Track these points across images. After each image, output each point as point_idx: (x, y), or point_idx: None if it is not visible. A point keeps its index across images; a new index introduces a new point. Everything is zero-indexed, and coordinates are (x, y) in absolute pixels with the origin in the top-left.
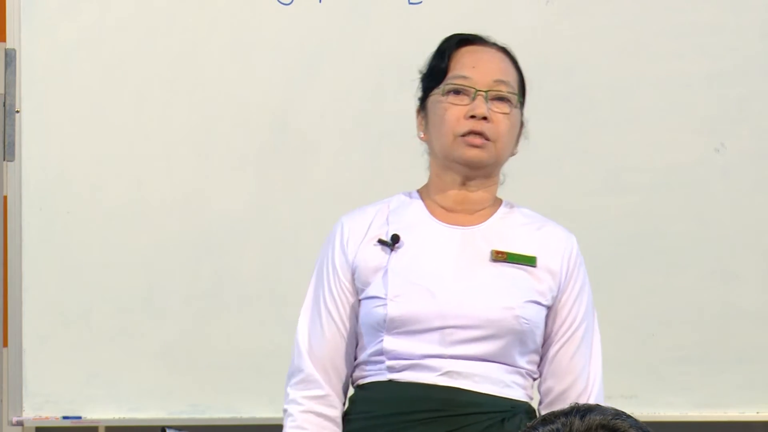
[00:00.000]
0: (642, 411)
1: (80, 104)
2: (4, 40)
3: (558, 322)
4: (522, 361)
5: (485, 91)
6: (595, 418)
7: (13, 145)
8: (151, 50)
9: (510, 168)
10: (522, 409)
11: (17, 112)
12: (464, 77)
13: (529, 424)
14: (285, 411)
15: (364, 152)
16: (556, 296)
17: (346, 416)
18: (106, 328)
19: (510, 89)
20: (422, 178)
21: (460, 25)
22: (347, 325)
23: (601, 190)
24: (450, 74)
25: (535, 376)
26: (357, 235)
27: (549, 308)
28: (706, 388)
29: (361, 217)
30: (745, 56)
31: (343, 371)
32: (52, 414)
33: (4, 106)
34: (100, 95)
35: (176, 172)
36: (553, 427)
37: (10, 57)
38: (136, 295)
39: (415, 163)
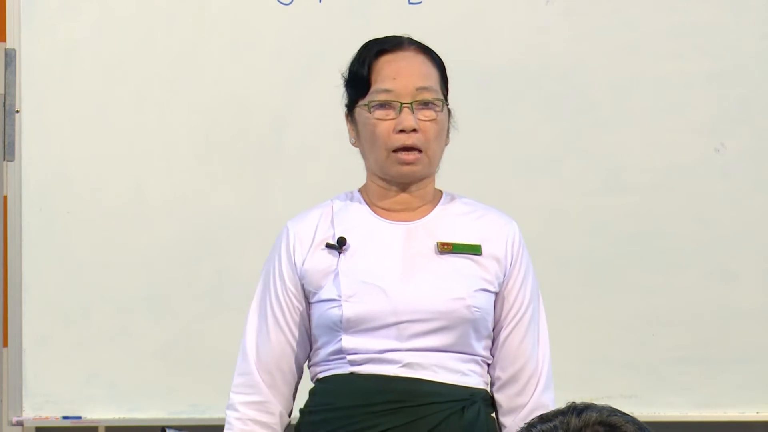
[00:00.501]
0: (642, 411)
1: (80, 104)
2: (4, 40)
3: (506, 307)
4: (477, 348)
5: (410, 103)
6: (591, 415)
7: (13, 145)
8: (151, 50)
9: (510, 167)
10: (480, 397)
11: (17, 112)
12: (387, 90)
13: (526, 422)
14: (226, 414)
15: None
16: (503, 282)
17: (306, 409)
18: (106, 328)
19: (433, 94)
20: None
21: (460, 25)
22: (294, 331)
23: (601, 190)
24: (373, 87)
25: (490, 361)
26: (304, 242)
27: (496, 294)
28: (706, 388)
29: (307, 223)
30: (745, 56)
31: (289, 376)
32: (52, 414)
33: (4, 106)
34: (100, 95)
35: (176, 172)
36: (551, 425)
37: (10, 57)
38: (136, 295)
39: None
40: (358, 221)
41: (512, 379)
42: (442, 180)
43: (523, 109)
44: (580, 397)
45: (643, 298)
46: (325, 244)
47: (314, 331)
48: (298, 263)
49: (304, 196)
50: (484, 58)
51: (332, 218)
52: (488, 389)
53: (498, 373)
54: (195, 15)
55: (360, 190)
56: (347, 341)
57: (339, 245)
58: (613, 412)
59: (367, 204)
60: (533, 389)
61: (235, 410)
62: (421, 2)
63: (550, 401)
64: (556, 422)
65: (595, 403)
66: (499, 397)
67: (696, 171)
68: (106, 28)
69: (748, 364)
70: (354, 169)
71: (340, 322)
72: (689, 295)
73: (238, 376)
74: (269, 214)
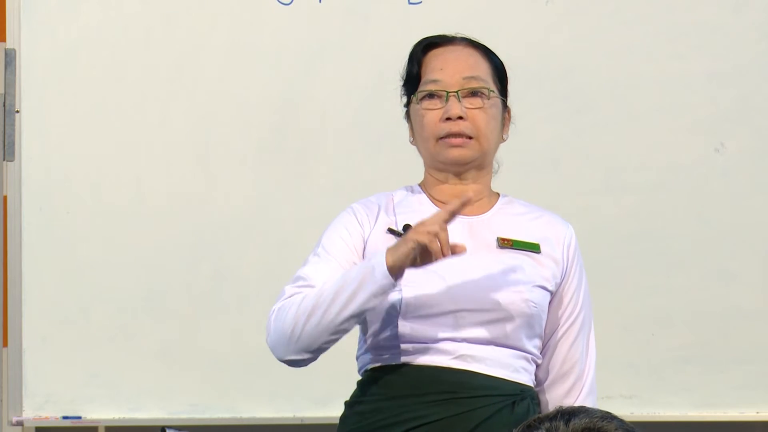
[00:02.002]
0: (642, 411)
1: (80, 104)
2: (4, 40)
3: (561, 308)
4: (529, 346)
5: (456, 91)
6: (580, 422)
7: (13, 145)
8: (151, 50)
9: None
10: (530, 394)
11: (17, 112)
12: (434, 81)
13: (514, 431)
14: (282, 306)
15: (363, 152)
16: (559, 283)
17: (353, 400)
18: (105, 328)
19: (481, 83)
20: (421, 177)
21: (460, 25)
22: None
23: (601, 190)
24: (422, 80)
25: (539, 361)
26: (370, 220)
27: (552, 294)
28: (706, 388)
29: (370, 207)
30: (745, 56)
31: None
32: (52, 414)
33: (4, 106)
34: (99, 95)
35: (176, 172)
36: None
37: (10, 57)
38: (136, 295)
39: (414, 162)
40: (420, 211)
41: (560, 381)
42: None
43: (523, 109)
44: None
45: (643, 298)
46: (387, 229)
47: (368, 317)
48: (365, 231)
49: (304, 196)
50: None
51: (394, 207)
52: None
53: (546, 373)
54: (195, 15)
55: (420, 185)
56: (404, 326)
57: (404, 231)
58: (603, 417)
59: (428, 197)
60: (578, 392)
61: (288, 294)
62: (421, 2)
63: (593, 404)
64: (543, 430)
65: (588, 406)
66: (544, 397)
67: (696, 171)
68: (106, 28)
69: (748, 364)
70: (354, 168)
71: (399, 306)
72: (689, 295)
73: (294, 281)
74: (269, 214)
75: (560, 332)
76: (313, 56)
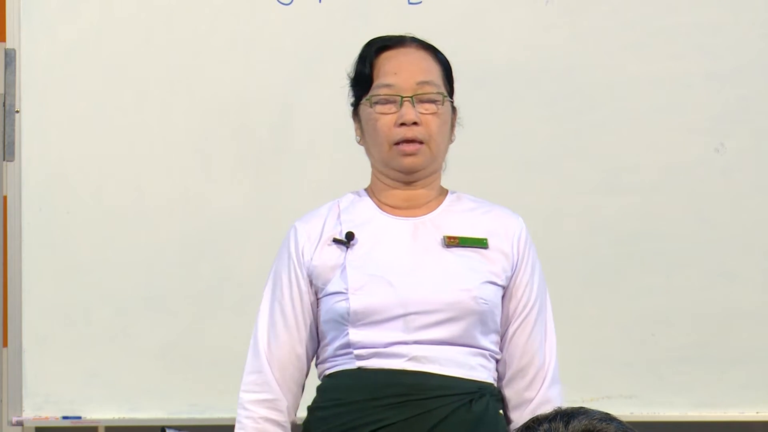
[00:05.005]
0: (642, 411)
1: (80, 104)
2: (4, 40)
3: (514, 302)
4: (485, 342)
5: (410, 97)
6: (579, 423)
7: (13, 145)
8: (151, 50)
9: (510, 167)
10: (488, 391)
11: (17, 112)
12: (388, 85)
13: (515, 429)
14: (237, 414)
15: (363, 152)
16: (510, 277)
17: (314, 406)
18: (105, 328)
19: (434, 88)
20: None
21: (460, 25)
22: (303, 329)
23: (601, 190)
24: (375, 83)
25: (498, 357)
26: (312, 238)
27: (504, 289)
28: (706, 388)
29: (315, 221)
30: (745, 56)
31: (298, 374)
32: (52, 414)
33: (4, 106)
34: (99, 95)
35: (176, 172)
36: None
37: (10, 57)
38: (136, 295)
39: None
40: (366, 217)
41: (520, 374)
42: (442, 179)
43: (523, 109)
44: (580, 397)
45: (643, 298)
46: (332, 239)
47: (322, 326)
48: (307, 260)
49: (304, 196)
50: (484, 58)
51: (339, 215)
52: (496, 384)
53: (506, 367)
54: (195, 15)
55: (367, 189)
56: (354, 335)
57: (347, 239)
58: (603, 418)
59: (374, 201)
60: (540, 384)
61: (246, 409)
62: (421, 2)
63: (556, 395)
64: (541, 431)
65: (587, 407)
66: (507, 391)
67: (696, 171)
68: (106, 28)
69: (748, 364)
70: (355, 168)
71: (347, 314)
72: (689, 295)
73: (249, 374)
74: (269, 214)
75: (515, 325)
76: (313, 56)
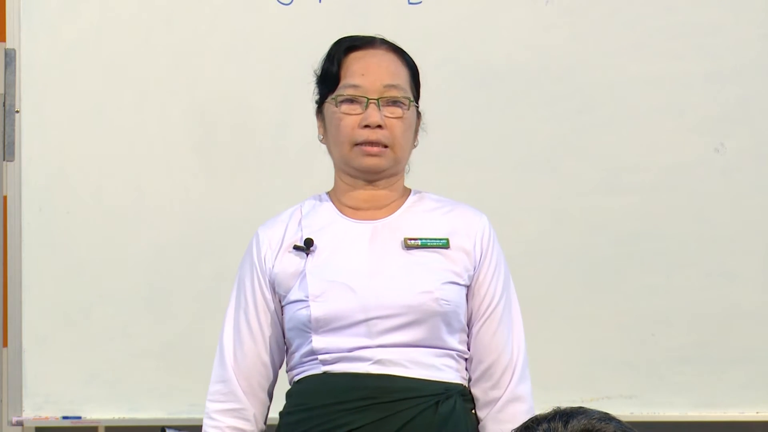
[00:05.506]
0: (642, 411)
1: (80, 104)
2: (4, 40)
3: (477, 300)
4: (452, 342)
5: (376, 99)
6: (578, 423)
7: (13, 145)
8: (151, 50)
9: (510, 167)
10: (456, 391)
11: (17, 112)
12: (355, 86)
13: (514, 429)
14: (203, 423)
15: None
16: (473, 275)
17: (283, 411)
18: (106, 328)
19: (401, 92)
20: (422, 177)
21: (460, 25)
22: (269, 337)
23: (600, 190)
24: (341, 83)
25: (467, 356)
26: (273, 245)
27: (467, 288)
28: (706, 388)
29: (276, 227)
30: (745, 56)
31: (265, 382)
32: (52, 414)
33: (4, 106)
34: (99, 95)
35: (176, 172)
36: None
37: (10, 57)
38: (136, 295)
39: (415, 162)
40: (325, 222)
41: (486, 373)
42: (441, 179)
43: (523, 109)
44: (580, 397)
45: (643, 298)
46: (293, 246)
47: (288, 334)
48: (269, 267)
49: (304, 196)
50: (484, 58)
51: (300, 220)
52: (466, 384)
53: (473, 367)
54: (195, 15)
55: (329, 192)
56: (318, 341)
57: (306, 246)
58: (602, 418)
59: (335, 204)
60: (508, 381)
61: (212, 419)
62: (421, 2)
63: (525, 392)
64: (540, 430)
65: (586, 407)
66: (475, 391)
67: (696, 171)
68: (106, 28)
69: (748, 364)
70: None
71: (309, 322)
72: (689, 295)
73: (215, 384)
74: (269, 214)
75: (479, 324)
76: (313, 56)
